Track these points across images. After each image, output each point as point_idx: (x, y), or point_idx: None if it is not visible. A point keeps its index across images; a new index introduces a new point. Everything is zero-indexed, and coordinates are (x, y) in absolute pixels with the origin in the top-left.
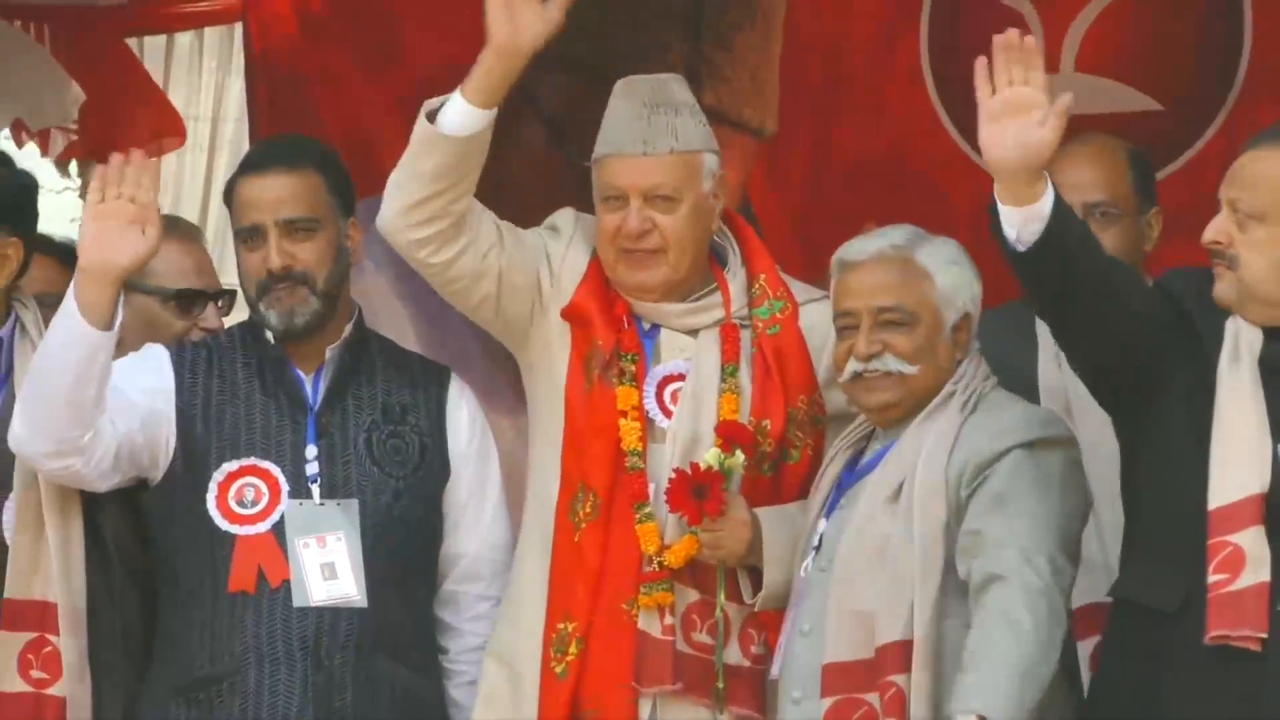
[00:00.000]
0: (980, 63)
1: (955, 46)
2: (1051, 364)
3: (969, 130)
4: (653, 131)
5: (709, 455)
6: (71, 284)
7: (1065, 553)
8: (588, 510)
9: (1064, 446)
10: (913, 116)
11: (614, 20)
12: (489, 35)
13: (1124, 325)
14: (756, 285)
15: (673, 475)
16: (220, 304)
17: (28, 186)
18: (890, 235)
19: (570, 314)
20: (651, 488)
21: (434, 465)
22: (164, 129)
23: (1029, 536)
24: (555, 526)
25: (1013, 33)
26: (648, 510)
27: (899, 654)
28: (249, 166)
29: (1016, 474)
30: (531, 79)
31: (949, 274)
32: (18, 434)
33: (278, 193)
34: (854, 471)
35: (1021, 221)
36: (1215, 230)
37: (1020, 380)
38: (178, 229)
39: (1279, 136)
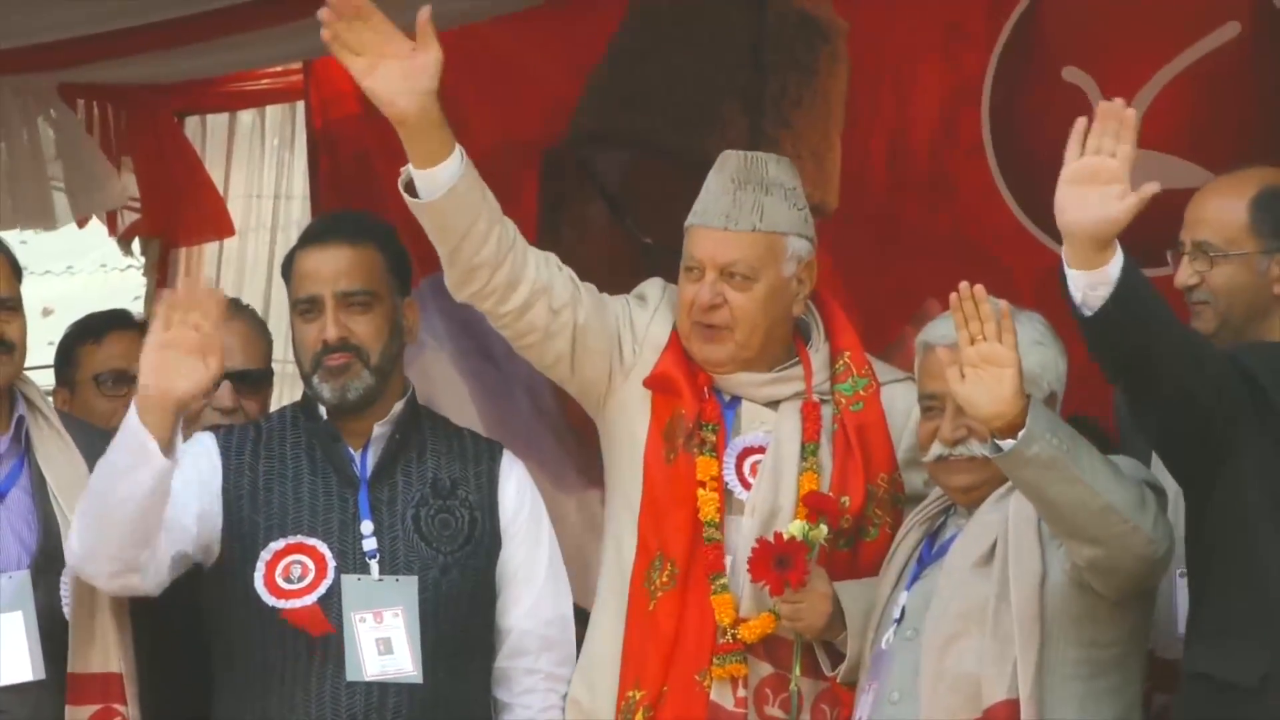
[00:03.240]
0: (1080, 123)
1: (1016, 121)
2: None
3: (1031, 205)
4: (737, 208)
5: (793, 526)
6: (131, 408)
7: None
8: (664, 579)
9: (1155, 492)
10: (975, 191)
11: (675, 95)
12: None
13: (1194, 394)
14: (840, 362)
15: (755, 545)
16: (246, 386)
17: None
18: None
19: (654, 382)
20: (728, 559)
21: (484, 539)
22: (211, 223)
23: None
24: (630, 593)
25: (1118, 102)
26: (724, 581)
27: (1007, 713)
28: (308, 239)
29: None
30: (590, 154)
31: (1034, 354)
32: (76, 553)
33: (336, 265)
34: (936, 546)
35: (1088, 285)
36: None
37: None
38: None
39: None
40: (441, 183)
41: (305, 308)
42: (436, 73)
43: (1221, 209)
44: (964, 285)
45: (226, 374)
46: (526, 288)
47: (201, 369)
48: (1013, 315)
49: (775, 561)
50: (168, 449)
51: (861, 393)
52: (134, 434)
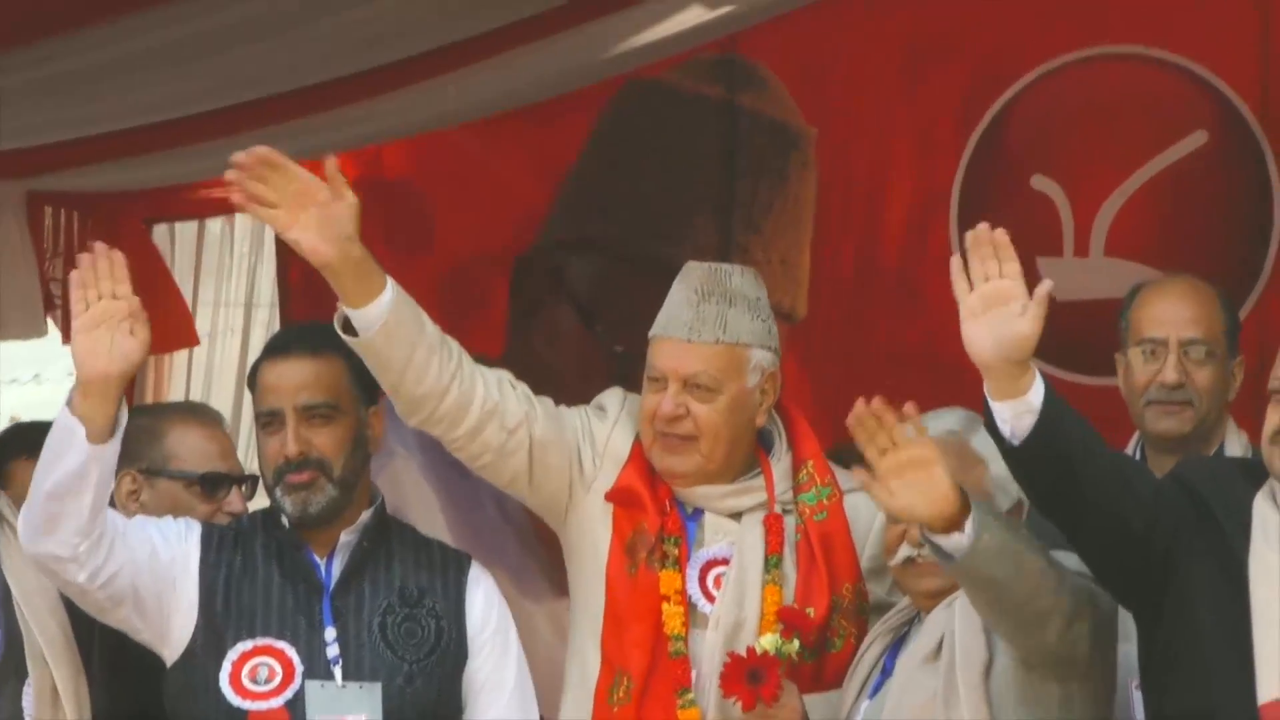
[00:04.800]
0: (955, 261)
1: None
2: None
3: None
4: (701, 320)
5: (765, 640)
6: (70, 391)
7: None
8: (621, 695)
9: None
10: (944, 302)
11: (646, 202)
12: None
13: (1126, 518)
14: (804, 471)
15: (727, 660)
16: (244, 488)
17: None
18: (946, 419)
19: (616, 496)
20: (694, 673)
21: (451, 649)
22: (176, 332)
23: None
24: (594, 710)
25: (983, 227)
26: (690, 696)
27: None
28: (272, 351)
29: None
30: (561, 261)
31: (1000, 462)
32: (22, 533)
33: (297, 378)
34: (898, 655)
35: (1013, 416)
36: None
37: None
38: (201, 413)
39: None
40: (373, 319)
41: (266, 420)
42: (354, 218)
43: (1208, 310)
44: (859, 404)
45: (234, 480)
46: (476, 411)
47: (132, 341)
48: (975, 426)
49: (748, 676)
50: (104, 433)
51: (825, 502)
52: (65, 419)
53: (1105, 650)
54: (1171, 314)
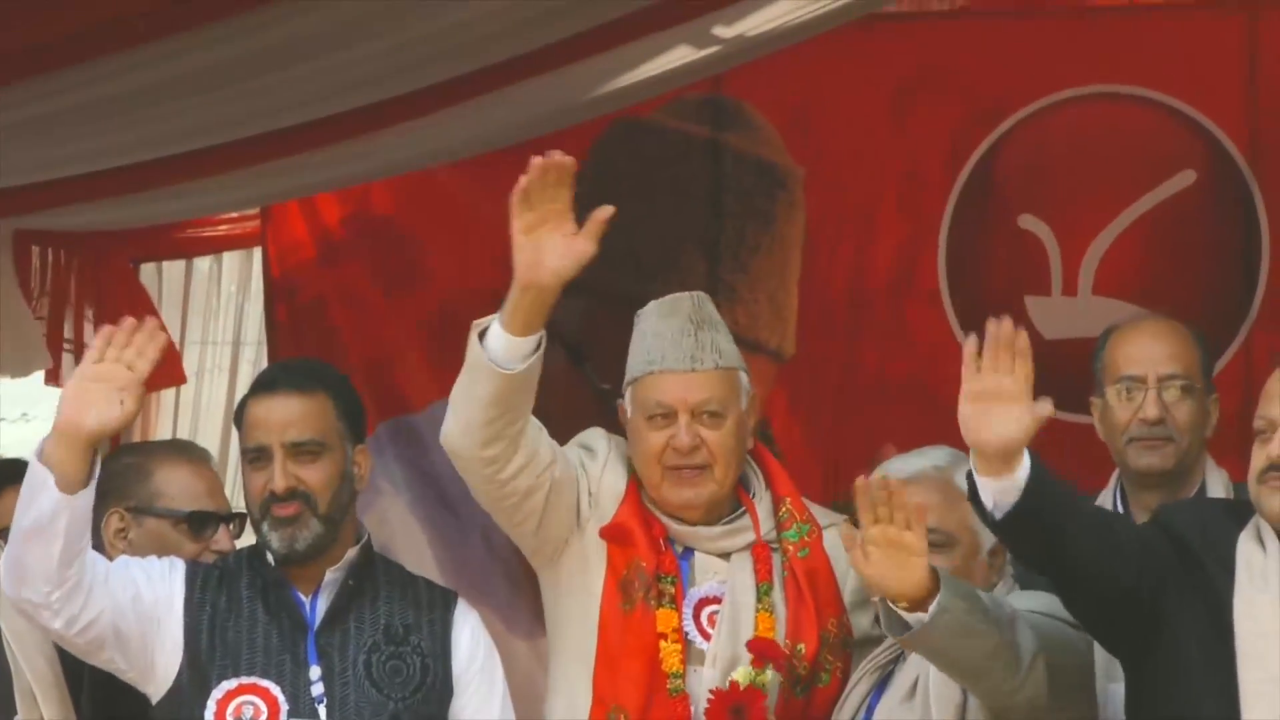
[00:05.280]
0: (971, 341)
1: (973, 268)
2: None
3: None
4: (699, 348)
5: (737, 673)
6: (43, 438)
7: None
8: None
9: (1079, 630)
10: (932, 338)
11: (633, 242)
12: (515, 269)
13: (1116, 575)
14: (784, 509)
15: (710, 696)
16: (231, 526)
17: None
18: (931, 456)
19: (613, 534)
20: (693, 711)
21: (436, 686)
22: (163, 371)
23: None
24: None
25: (1008, 325)
26: None
27: None
28: (259, 388)
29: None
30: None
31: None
32: (3, 576)
33: (285, 415)
34: (883, 693)
35: (998, 491)
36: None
37: None
38: (188, 452)
39: None
40: (527, 352)
41: (254, 456)
42: (581, 264)
43: (1184, 347)
44: (876, 477)
45: (221, 518)
46: (523, 455)
47: (117, 408)
48: (968, 460)
49: (730, 711)
50: (74, 483)
51: (806, 539)
52: (35, 466)
53: (1082, 692)
54: (1147, 351)
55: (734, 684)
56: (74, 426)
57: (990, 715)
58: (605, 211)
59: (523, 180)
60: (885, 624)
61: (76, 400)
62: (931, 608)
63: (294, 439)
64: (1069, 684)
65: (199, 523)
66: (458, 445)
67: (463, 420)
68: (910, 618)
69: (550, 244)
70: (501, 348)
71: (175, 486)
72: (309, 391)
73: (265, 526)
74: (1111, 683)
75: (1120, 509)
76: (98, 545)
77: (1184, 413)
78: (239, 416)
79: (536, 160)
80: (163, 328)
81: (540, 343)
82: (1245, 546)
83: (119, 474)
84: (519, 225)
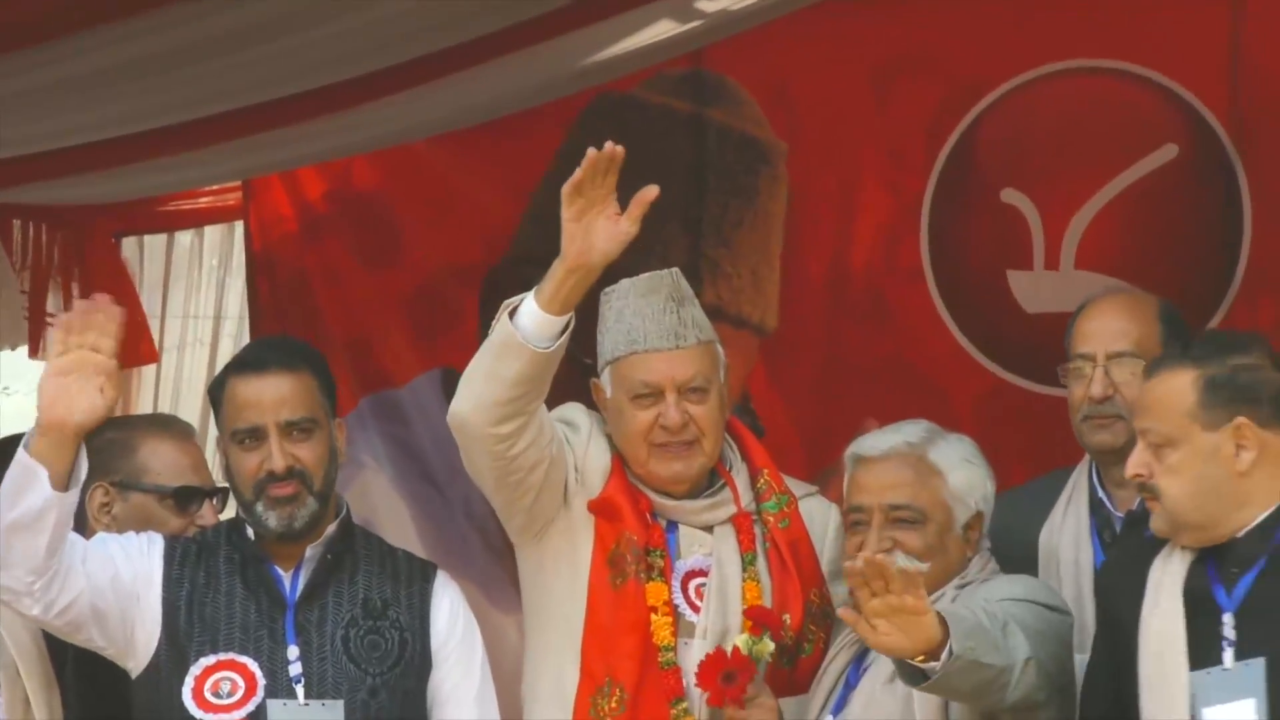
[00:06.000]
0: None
1: (955, 244)
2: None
3: (969, 327)
4: (682, 325)
5: (739, 640)
6: (27, 434)
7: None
8: (613, 705)
9: (1058, 612)
10: (914, 314)
11: None
12: (562, 249)
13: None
14: (761, 480)
15: (708, 653)
16: (216, 501)
17: None
18: (905, 432)
19: (601, 508)
20: (685, 684)
21: (414, 660)
22: (133, 348)
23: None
24: None
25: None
26: (684, 705)
27: None
28: (244, 367)
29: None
30: (531, 275)
31: (962, 472)
32: None
33: (278, 394)
34: (862, 669)
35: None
36: (1135, 464)
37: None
38: (173, 427)
39: (1170, 360)
40: (556, 332)
41: (245, 437)
42: (625, 245)
43: (1138, 322)
44: (863, 557)
45: (206, 493)
46: (533, 431)
47: (98, 397)
48: (942, 436)
49: (722, 676)
50: (64, 479)
51: (785, 509)
52: (24, 462)
53: (1067, 690)
54: (1099, 328)
55: (730, 650)
56: (60, 424)
57: (976, 713)
58: (650, 193)
59: (576, 174)
60: (903, 677)
61: (56, 398)
62: (943, 656)
63: (288, 418)
64: (1055, 685)
65: (185, 498)
66: (470, 422)
67: (479, 397)
68: (926, 667)
69: (598, 227)
70: (534, 325)
71: (160, 461)
72: (296, 370)
73: (260, 507)
74: (1079, 654)
75: (1095, 482)
76: (81, 519)
77: (1135, 390)
78: (217, 394)
79: (591, 152)
80: (125, 300)
81: (569, 322)
82: (1155, 570)
83: (103, 449)
84: (569, 214)
